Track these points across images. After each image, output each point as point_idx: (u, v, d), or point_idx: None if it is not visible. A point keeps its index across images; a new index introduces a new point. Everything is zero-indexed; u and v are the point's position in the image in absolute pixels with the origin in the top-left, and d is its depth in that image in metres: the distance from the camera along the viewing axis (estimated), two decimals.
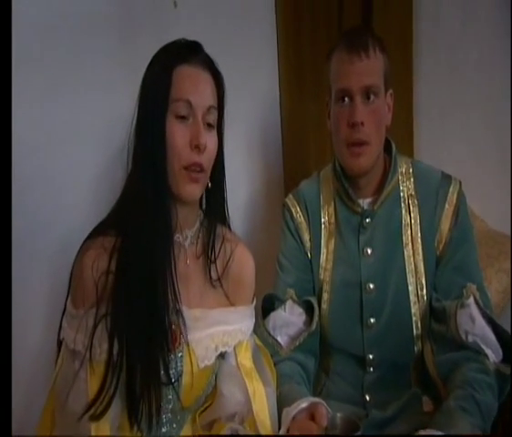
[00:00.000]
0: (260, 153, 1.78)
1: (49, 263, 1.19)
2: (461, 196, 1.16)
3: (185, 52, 0.91)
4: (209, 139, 0.92)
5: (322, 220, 1.25)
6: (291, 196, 1.31)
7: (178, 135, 0.89)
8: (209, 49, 0.97)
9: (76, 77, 1.24)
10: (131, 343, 0.85)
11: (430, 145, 1.75)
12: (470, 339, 1.07)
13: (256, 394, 0.98)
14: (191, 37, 0.95)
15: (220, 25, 1.58)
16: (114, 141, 1.23)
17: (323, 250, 1.23)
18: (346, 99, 1.13)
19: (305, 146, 1.81)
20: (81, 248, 0.92)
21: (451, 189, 1.16)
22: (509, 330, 1.08)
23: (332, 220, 1.24)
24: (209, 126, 0.93)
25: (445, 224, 1.14)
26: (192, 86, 0.90)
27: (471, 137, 1.66)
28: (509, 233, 1.51)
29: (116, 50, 1.33)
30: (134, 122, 0.92)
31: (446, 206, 1.15)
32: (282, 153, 1.84)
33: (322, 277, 1.23)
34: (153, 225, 0.88)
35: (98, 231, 0.93)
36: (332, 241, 1.23)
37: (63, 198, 1.23)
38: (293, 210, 1.27)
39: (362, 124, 1.11)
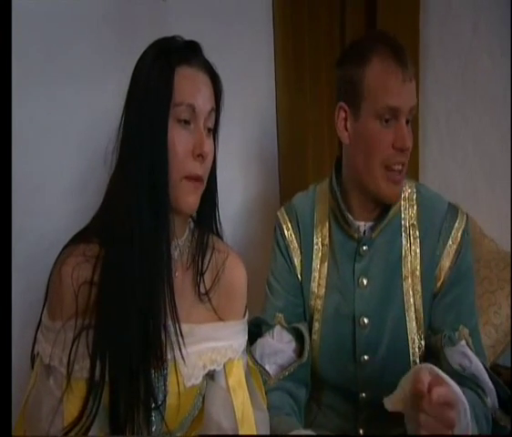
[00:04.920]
0: (254, 159, 1.80)
1: (21, 272, 1.20)
2: (466, 233, 1.16)
3: (185, 52, 0.92)
4: (209, 145, 0.94)
5: (315, 241, 1.24)
6: (283, 210, 1.31)
7: (180, 142, 0.89)
8: None
9: (54, 70, 1.26)
10: (116, 362, 0.86)
11: (438, 158, 1.78)
12: (468, 374, 1.07)
13: (244, 419, 0.99)
14: (180, 34, 0.96)
15: (212, 21, 1.61)
16: (95, 141, 1.24)
17: (315, 275, 1.23)
18: (391, 119, 1.10)
19: (303, 153, 1.84)
20: (60, 255, 0.92)
21: (456, 225, 1.15)
22: None
23: (326, 242, 1.23)
24: (209, 130, 0.94)
25: (446, 262, 1.14)
26: (195, 90, 0.91)
27: (483, 150, 1.69)
28: None
29: (102, 44, 1.36)
30: (122, 123, 0.92)
31: (450, 242, 1.15)
32: (278, 160, 1.87)
33: (313, 304, 1.23)
34: (150, 237, 0.88)
35: (79, 238, 0.93)
36: (325, 266, 1.22)
37: (35, 201, 1.24)
38: (284, 227, 1.27)
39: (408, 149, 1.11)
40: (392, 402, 0.91)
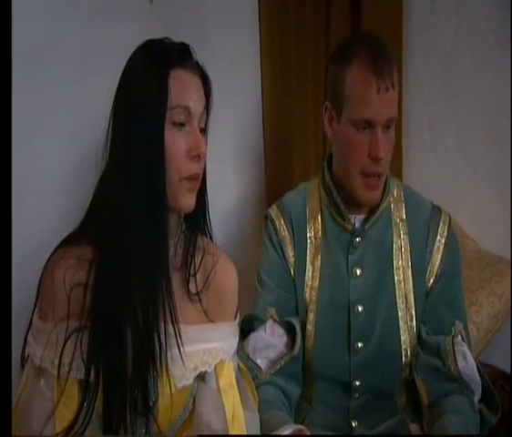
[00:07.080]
0: (240, 161, 1.81)
1: None
2: (452, 229, 1.23)
3: (179, 55, 0.93)
4: (205, 146, 0.95)
5: (308, 235, 1.26)
6: (274, 207, 1.32)
7: (176, 144, 0.91)
8: None
9: (42, 69, 1.26)
10: (110, 365, 0.87)
11: (420, 159, 1.80)
12: (464, 375, 1.14)
13: (235, 421, 1.00)
14: (168, 35, 0.97)
15: (198, 24, 1.62)
16: (83, 141, 1.24)
17: (309, 268, 1.25)
18: (366, 127, 1.13)
19: (289, 154, 1.85)
20: (50, 257, 0.93)
21: (442, 221, 1.22)
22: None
23: (319, 235, 1.25)
24: (201, 130, 0.96)
25: (437, 257, 1.20)
26: (189, 92, 0.93)
27: (465, 152, 1.71)
28: (503, 254, 1.58)
29: (92, 43, 1.34)
30: (111, 124, 0.93)
31: (438, 237, 1.21)
32: (265, 162, 1.87)
33: (307, 296, 1.24)
34: (149, 240, 0.89)
35: (70, 241, 0.95)
36: (319, 258, 1.24)
37: (23, 201, 1.22)
38: (277, 223, 1.28)
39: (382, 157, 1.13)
40: None
